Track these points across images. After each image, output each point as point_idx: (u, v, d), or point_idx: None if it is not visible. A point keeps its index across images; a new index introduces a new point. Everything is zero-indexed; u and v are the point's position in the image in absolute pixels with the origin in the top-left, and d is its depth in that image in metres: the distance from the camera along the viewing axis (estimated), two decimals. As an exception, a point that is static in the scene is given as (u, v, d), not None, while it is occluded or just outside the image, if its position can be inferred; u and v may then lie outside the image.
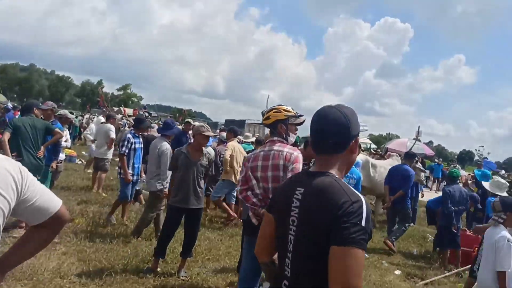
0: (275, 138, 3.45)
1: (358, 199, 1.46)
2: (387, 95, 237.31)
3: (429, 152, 17.77)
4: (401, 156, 9.87)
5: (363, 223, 1.41)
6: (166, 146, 5.63)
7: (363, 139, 20.79)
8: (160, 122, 15.32)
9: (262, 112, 3.64)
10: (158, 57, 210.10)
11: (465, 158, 71.18)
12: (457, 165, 17.49)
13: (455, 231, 6.75)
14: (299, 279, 1.56)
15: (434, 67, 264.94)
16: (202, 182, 4.83)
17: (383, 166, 9.59)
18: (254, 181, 3.40)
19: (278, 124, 3.44)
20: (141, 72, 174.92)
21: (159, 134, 6.30)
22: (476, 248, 5.32)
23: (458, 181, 7.28)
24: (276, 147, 3.40)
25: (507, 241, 3.64)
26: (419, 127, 11.13)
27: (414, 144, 11.93)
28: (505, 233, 3.72)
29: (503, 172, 13.14)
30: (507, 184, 6.79)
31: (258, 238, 1.83)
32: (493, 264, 3.66)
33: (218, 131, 11.46)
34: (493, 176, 7.75)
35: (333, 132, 1.58)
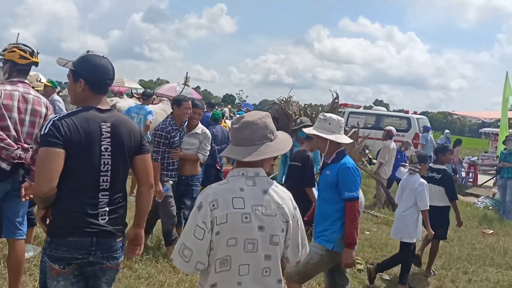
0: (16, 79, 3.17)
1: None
2: (156, 40, 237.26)
3: (197, 96, 18.81)
4: (171, 101, 10.09)
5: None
6: None
7: (133, 84, 20.44)
8: None
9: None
10: None
11: (228, 101, 78.69)
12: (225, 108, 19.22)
13: (219, 168, 7.46)
14: (116, 185, 2.19)
15: (199, 14, 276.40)
16: None
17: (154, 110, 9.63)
18: (9, 122, 3.06)
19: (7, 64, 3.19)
20: None
21: None
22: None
23: (219, 122, 7.94)
24: (31, 91, 3.21)
25: (425, 186, 4.56)
26: (187, 73, 11.63)
27: (183, 89, 12.37)
28: (421, 179, 4.61)
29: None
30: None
31: (48, 173, 2.00)
32: (415, 206, 4.53)
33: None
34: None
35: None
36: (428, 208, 4.55)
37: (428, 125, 15.34)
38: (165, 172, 4.48)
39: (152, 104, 10.98)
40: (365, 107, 19.10)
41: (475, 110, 20.73)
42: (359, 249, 5.73)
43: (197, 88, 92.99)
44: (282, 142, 1.90)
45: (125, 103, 9.58)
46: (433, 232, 4.66)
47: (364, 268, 5.04)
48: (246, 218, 1.75)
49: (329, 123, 3.25)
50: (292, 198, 1.93)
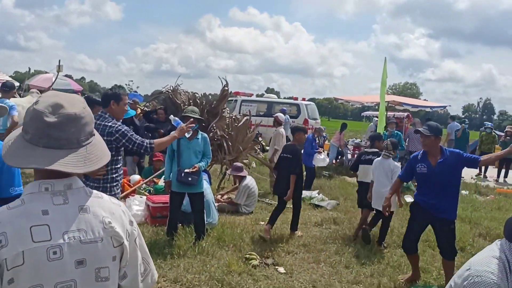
0: None
1: None
2: (31, 28, 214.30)
3: (77, 87, 17.16)
4: (42, 91, 8.86)
5: None
6: None
7: (1, 76, 17.95)
8: None
9: None
10: None
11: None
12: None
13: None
14: None
15: (80, 0, 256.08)
16: None
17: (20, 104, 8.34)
18: None
19: None
20: None
21: None
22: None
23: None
24: None
25: (399, 168, 5.54)
26: (59, 61, 10.24)
27: (56, 78, 11.01)
28: (395, 163, 5.78)
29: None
30: None
31: None
32: (387, 183, 5.36)
33: None
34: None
35: None
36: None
37: (316, 111, 15.94)
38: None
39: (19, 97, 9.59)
40: (257, 95, 19.26)
41: (355, 95, 22.14)
42: (255, 242, 5.51)
43: (81, 80, 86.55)
44: (101, 143, 1.40)
45: (-20, 97, 8.12)
46: (398, 203, 5.37)
47: (259, 264, 4.81)
48: (55, 253, 1.21)
49: None
50: (126, 210, 1.42)
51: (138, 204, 6.06)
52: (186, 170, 4.94)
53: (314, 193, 8.85)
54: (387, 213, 4.93)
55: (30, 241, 1.18)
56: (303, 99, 17.01)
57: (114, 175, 3.64)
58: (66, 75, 13.97)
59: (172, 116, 4.67)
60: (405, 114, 14.70)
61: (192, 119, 4.50)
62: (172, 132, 4.05)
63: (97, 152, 1.33)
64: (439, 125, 4.39)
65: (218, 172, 8.88)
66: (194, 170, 4.95)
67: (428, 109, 16.30)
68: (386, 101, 12.03)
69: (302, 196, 8.73)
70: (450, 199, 4.24)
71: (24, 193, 1.27)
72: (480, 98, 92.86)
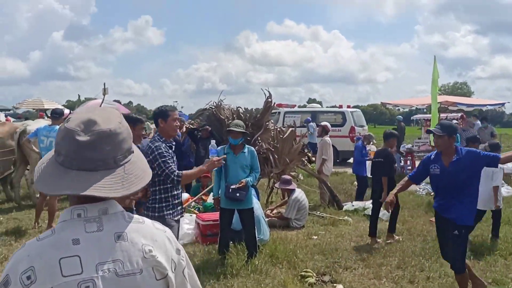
0: None
1: None
2: (80, 58, 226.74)
3: (125, 111, 17.68)
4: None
5: None
6: None
7: (53, 104, 18.89)
8: None
9: None
10: None
11: (163, 113, 77.20)
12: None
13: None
14: None
15: (123, 28, 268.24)
16: None
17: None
18: None
19: None
20: None
21: None
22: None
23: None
24: None
25: (501, 169, 5.79)
26: (104, 83, 10.52)
27: (103, 101, 11.32)
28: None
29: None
30: None
31: None
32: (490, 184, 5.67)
33: None
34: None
35: None
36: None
37: (363, 118, 15.51)
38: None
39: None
40: (299, 106, 18.99)
41: (401, 99, 21.32)
42: (309, 258, 5.25)
43: (129, 104, 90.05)
44: (142, 159, 1.25)
45: (35, 125, 8.46)
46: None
47: (316, 281, 4.54)
48: None
49: None
50: (172, 237, 1.24)
51: (188, 223, 5.98)
52: (233, 186, 4.80)
53: (368, 204, 8.44)
54: (389, 211, 4.47)
55: (59, 276, 1.03)
56: (348, 106, 16.56)
57: (163, 195, 3.55)
58: (114, 100, 14.41)
59: (213, 141, 4.55)
60: (459, 114, 13.90)
61: (222, 161, 4.06)
62: (201, 166, 3.92)
63: (137, 171, 1.17)
64: (453, 123, 4.11)
65: (266, 186, 8.68)
66: (241, 185, 4.80)
67: (484, 108, 15.26)
68: (438, 102, 11.44)
69: (355, 207, 8.44)
70: (465, 202, 3.89)
71: (58, 221, 1.14)
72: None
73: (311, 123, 14.62)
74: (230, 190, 4.82)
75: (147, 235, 1.16)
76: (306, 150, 13.09)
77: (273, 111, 17.26)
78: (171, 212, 3.59)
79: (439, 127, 3.99)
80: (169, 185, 3.57)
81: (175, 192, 3.65)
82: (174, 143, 3.80)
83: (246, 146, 5.07)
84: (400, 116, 15.63)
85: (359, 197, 9.06)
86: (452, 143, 3.96)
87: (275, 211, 7.62)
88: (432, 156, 4.11)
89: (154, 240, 1.17)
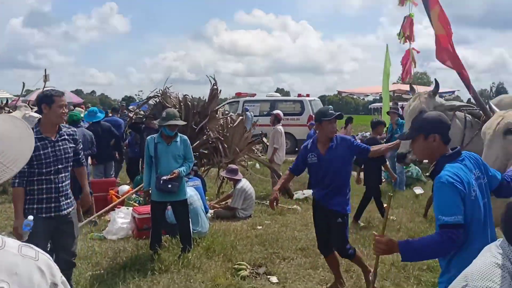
0: None
1: None
2: (41, 46, 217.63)
3: (77, 100, 17.06)
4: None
5: None
6: None
7: (3, 94, 18.00)
8: None
9: None
10: None
11: (128, 102, 75.20)
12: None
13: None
14: None
15: (87, 15, 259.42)
16: None
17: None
18: None
19: None
20: None
21: None
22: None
23: (79, 125, 6.76)
24: None
25: None
26: (45, 70, 10.15)
27: (44, 88, 10.79)
28: None
29: None
30: None
31: None
32: None
33: None
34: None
35: None
36: None
37: (320, 106, 15.48)
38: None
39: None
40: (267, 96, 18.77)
41: (357, 87, 21.44)
42: (248, 249, 5.10)
43: (92, 93, 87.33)
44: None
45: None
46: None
47: (249, 274, 4.39)
48: None
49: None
50: (49, 265, 0.97)
51: (123, 217, 5.70)
52: (164, 177, 4.55)
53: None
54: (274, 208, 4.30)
55: None
56: (307, 95, 16.51)
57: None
58: (77, 90, 13.74)
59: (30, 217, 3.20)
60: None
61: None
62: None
63: None
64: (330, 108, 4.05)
65: (216, 177, 8.48)
66: (173, 176, 4.56)
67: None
68: (391, 91, 11.52)
69: (306, 195, 8.35)
70: (343, 190, 3.90)
71: None
72: (492, 83, 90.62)
73: (248, 112, 14.43)
74: (162, 181, 4.57)
75: (2, 266, 0.88)
76: (264, 139, 12.93)
77: (232, 100, 17.14)
78: (34, 207, 3.25)
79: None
80: (34, 179, 3.26)
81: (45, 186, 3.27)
82: (70, 133, 3.44)
83: (179, 134, 4.82)
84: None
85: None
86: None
87: (223, 202, 7.43)
88: (309, 145, 3.99)
89: (13, 273, 0.88)
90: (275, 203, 3.97)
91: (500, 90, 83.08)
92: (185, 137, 4.89)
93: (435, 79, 4.58)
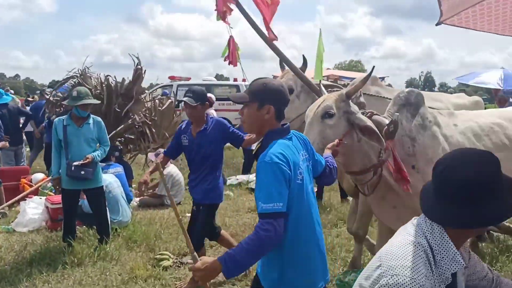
0: None
1: None
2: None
3: None
4: None
5: None
6: None
7: None
8: None
9: None
10: None
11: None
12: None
13: None
14: None
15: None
16: None
17: None
18: None
19: None
20: None
21: None
22: None
23: None
24: None
25: None
26: None
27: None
28: None
29: None
30: None
31: None
32: None
33: None
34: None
35: None
36: None
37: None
38: None
39: None
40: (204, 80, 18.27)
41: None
42: (173, 238, 4.82)
43: (15, 77, 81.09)
44: None
45: None
46: None
47: (172, 264, 4.13)
48: None
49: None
50: None
51: (35, 207, 5.17)
52: (75, 163, 4.13)
53: (252, 177, 8.25)
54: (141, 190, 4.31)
55: None
56: (243, 80, 16.28)
57: None
58: None
59: None
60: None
61: None
62: None
63: None
64: (204, 89, 3.69)
65: (143, 164, 8.06)
66: (85, 162, 4.15)
67: (367, 81, 16.03)
68: (324, 76, 11.59)
69: (239, 181, 8.20)
70: (210, 179, 3.60)
71: None
72: (421, 72, 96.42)
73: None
74: (73, 168, 4.14)
75: None
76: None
77: (165, 84, 16.51)
78: None
79: (191, 96, 3.51)
80: None
81: None
82: None
83: (92, 116, 4.39)
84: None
85: (245, 171, 8.85)
86: (203, 111, 3.59)
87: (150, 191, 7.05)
88: (183, 126, 3.76)
89: None
90: (143, 187, 3.74)
91: (428, 79, 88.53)
92: (99, 118, 4.46)
93: (303, 55, 4.43)
